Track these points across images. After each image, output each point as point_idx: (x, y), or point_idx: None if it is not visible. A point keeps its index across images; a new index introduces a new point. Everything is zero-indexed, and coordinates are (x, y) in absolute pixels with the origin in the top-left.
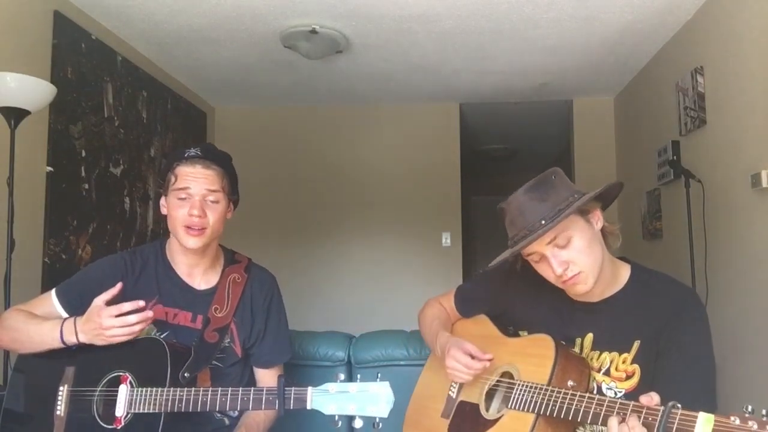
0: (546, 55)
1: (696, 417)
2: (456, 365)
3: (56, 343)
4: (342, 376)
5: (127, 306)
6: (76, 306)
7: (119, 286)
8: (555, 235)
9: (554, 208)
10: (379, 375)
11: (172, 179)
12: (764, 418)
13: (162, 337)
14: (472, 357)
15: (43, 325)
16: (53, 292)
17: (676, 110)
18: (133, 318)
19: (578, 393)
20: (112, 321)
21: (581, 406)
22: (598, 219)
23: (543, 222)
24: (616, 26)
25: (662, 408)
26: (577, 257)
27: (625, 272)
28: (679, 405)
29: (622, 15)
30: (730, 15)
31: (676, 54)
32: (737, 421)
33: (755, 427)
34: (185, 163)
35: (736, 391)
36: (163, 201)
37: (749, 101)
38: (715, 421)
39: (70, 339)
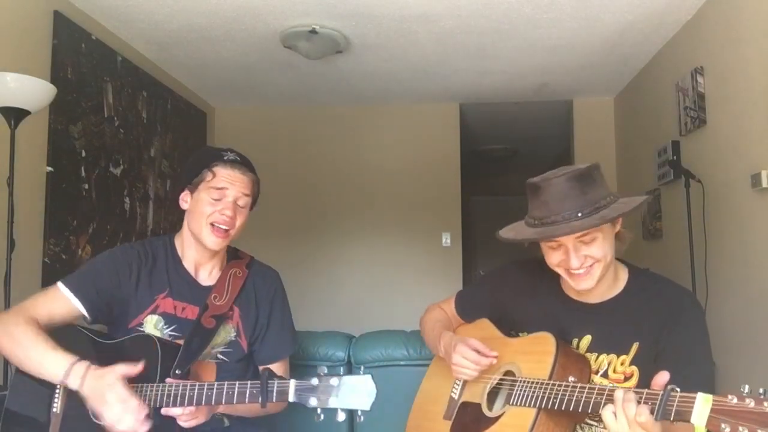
0: (546, 55)
1: (694, 397)
2: (463, 361)
3: (54, 378)
4: (325, 369)
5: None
6: (94, 300)
7: (141, 366)
8: (585, 232)
9: (593, 204)
10: (362, 368)
11: (209, 176)
12: (761, 396)
13: (169, 330)
14: (479, 353)
15: (49, 353)
16: (61, 286)
17: (676, 110)
18: (129, 418)
19: (579, 384)
20: (114, 402)
21: (582, 397)
22: (619, 221)
23: (579, 215)
24: (616, 26)
25: (661, 392)
26: (596, 252)
27: (623, 274)
28: (678, 388)
29: (622, 15)
30: (730, 15)
31: (676, 54)
32: (734, 400)
33: (752, 404)
34: (225, 164)
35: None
36: (185, 195)
37: (749, 101)
38: (714, 400)
39: (73, 383)
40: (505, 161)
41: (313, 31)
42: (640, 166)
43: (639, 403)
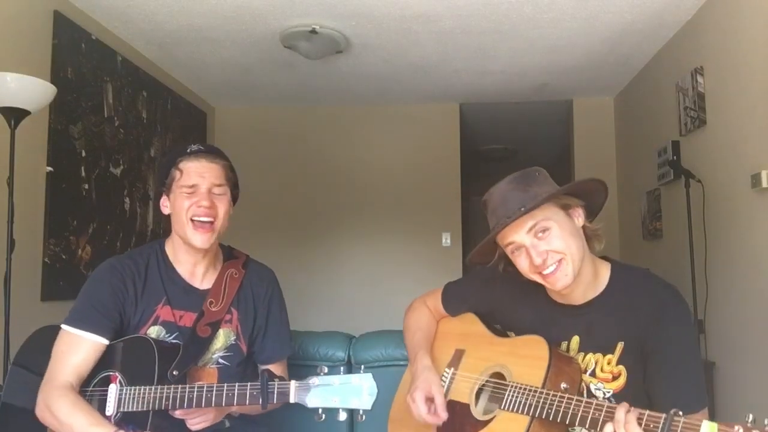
0: (546, 55)
1: (699, 426)
2: (417, 403)
3: None
4: (326, 369)
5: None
6: (106, 325)
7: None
8: (534, 222)
9: (535, 198)
10: (362, 367)
11: (177, 175)
12: (766, 427)
13: (171, 338)
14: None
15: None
16: (70, 329)
17: (676, 110)
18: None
19: (575, 397)
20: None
21: (578, 411)
22: (578, 215)
23: (522, 209)
24: (616, 26)
25: (664, 415)
26: (557, 245)
27: (605, 272)
28: (681, 412)
29: (622, 15)
30: (730, 15)
31: (676, 54)
32: (741, 431)
33: None
34: (189, 158)
35: (735, 391)
36: (164, 201)
37: (749, 101)
38: (719, 429)
39: None
40: (505, 161)
41: (313, 31)
42: (640, 166)
43: (641, 426)
